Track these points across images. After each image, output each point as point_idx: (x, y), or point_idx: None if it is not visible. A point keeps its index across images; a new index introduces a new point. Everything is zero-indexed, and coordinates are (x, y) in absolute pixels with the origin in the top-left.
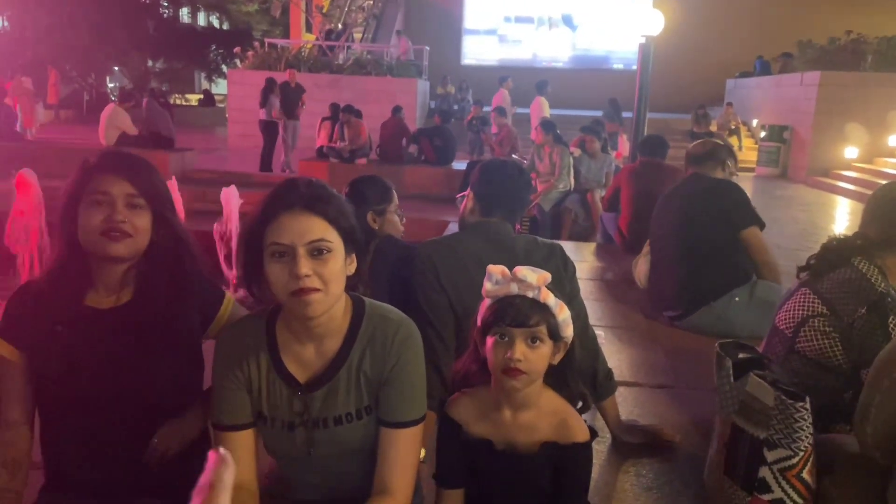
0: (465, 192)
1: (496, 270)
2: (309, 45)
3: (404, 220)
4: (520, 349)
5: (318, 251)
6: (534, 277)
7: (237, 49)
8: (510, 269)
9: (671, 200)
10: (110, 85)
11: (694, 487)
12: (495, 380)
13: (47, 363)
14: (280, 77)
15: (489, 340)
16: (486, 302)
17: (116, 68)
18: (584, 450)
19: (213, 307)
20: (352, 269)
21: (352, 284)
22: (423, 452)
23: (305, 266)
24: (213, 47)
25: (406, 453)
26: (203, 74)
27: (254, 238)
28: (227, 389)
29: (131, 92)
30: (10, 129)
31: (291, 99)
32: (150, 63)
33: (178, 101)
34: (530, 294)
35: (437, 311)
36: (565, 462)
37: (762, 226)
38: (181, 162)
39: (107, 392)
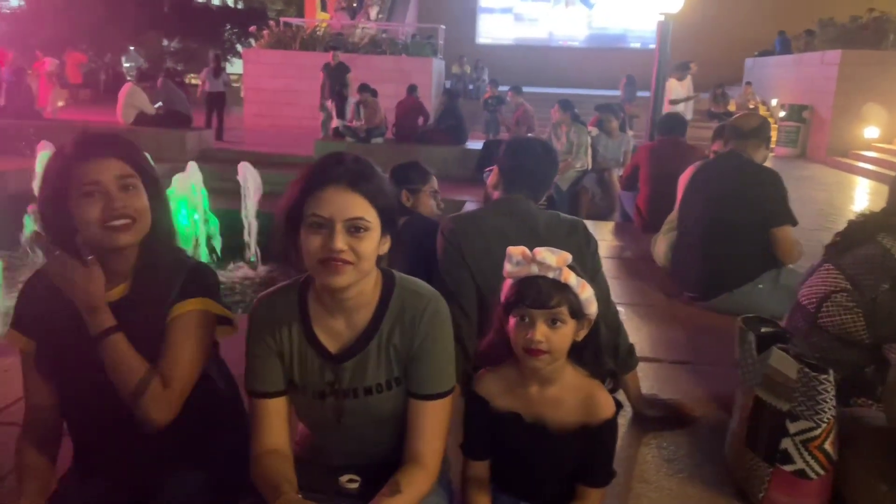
0: (492, 168)
1: (516, 252)
2: (324, 24)
3: (441, 205)
4: (541, 330)
5: (355, 228)
6: (553, 259)
7: (252, 28)
8: (531, 245)
9: (703, 179)
10: (126, 65)
11: (715, 459)
12: (519, 358)
13: (60, 353)
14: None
15: (511, 320)
16: (509, 282)
17: (132, 48)
18: (612, 424)
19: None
20: (384, 248)
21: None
22: None
23: (341, 241)
24: (228, 26)
25: (435, 424)
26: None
27: (294, 207)
28: (259, 357)
29: (148, 71)
30: (30, 108)
31: (334, 78)
32: (165, 42)
33: (193, 81)
34: (551, 274)
35: (460, 284)
36: (594, 438)
37: (795, 223)
38: (199, 141)
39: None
